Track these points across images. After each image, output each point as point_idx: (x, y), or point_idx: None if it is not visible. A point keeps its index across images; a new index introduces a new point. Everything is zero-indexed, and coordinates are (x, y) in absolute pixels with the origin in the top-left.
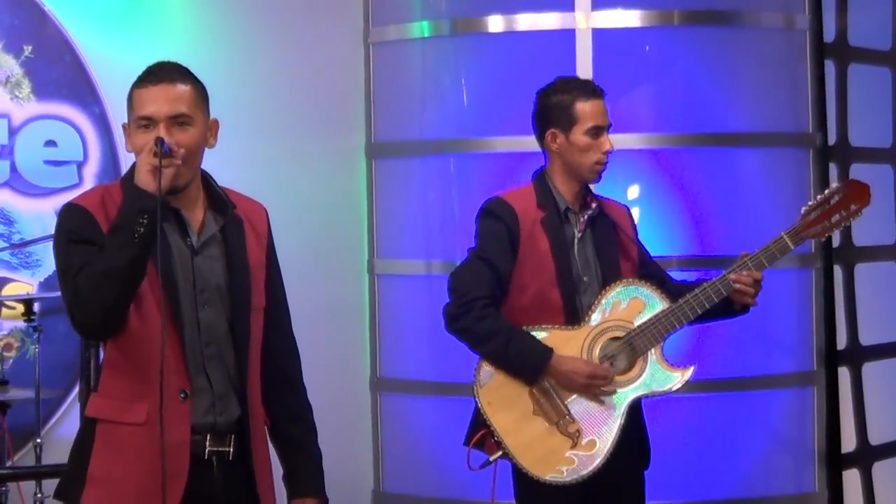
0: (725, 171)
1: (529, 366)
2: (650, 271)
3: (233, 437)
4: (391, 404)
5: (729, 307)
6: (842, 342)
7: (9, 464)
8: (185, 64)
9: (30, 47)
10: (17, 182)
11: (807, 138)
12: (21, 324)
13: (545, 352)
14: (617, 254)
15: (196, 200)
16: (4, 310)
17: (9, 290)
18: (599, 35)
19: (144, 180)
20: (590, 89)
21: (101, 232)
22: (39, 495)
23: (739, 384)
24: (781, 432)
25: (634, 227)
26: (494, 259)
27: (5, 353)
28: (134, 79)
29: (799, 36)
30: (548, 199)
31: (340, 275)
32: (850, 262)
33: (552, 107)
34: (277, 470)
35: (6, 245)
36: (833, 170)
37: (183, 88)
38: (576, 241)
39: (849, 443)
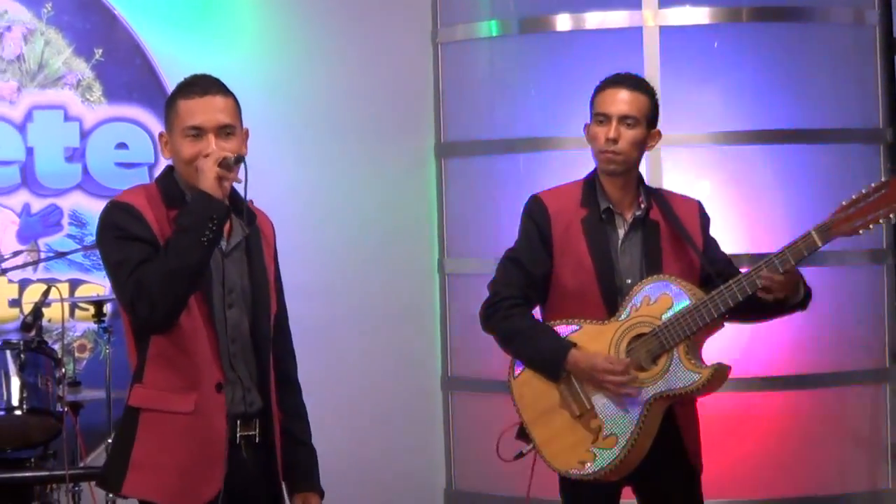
0: (794, 168)
1: (549, 362)
2: (719, 269)
3: (257, 421)
4: (462, 403)
5: (764, 305)
6: None
7: (81, 464)
8: (254, 66)
9: (100, 50)
10: (88, 184)
11: (877, 134)
12: (94, 325)
13: (564, 348)
14: (661, 256)
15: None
16: (78, 311)
17: (81, 291)
18: (667, 32)
19: (212, 186)
20: (610, 81)
21: (151, 230)
22: (110, 495)
23: (812, 381)
24: (854, 429)
25: (704, 222)
26: (524, 259)
27: (79, 355)
28: None
29: (868, 31)
30: (591, 198)
31: (411, 274)
32: None
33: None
34: None
35: (78, 247)
36: None
37: (227, 100)
38: (620, 242)
39: None
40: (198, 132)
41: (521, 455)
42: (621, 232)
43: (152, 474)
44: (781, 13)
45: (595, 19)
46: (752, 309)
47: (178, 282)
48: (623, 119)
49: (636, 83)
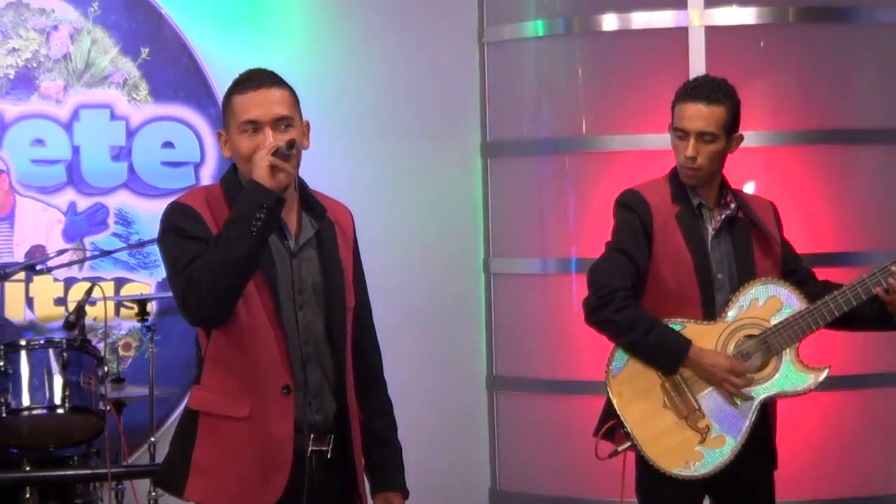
0: (842, 168)
1: (669, 355)
2: (793, 268)
3: (332, 436)
4: (507, 402)
5: (884, 316)
6: None
7: (125, 462)
8: (300, 66)
9: (147, 50)
10: (134, 183)
11: None
12: (139, 324)
13: (685, 343)
14: (752, 254)
15: (292, 203)
16: (123, 310)
17: (127, 290)
18: (713, 32)
19: (264, 175)
20: (691, 93)
21: (209, 230)
22: (153, 493)
23: (859, 382)
24: None
25: (779, 223)
26: (632, 250)
27: (124, 353)
28: None
29: None
30: (682, 194)
31: (456, 273)
32: None
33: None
34: None
35: (124, 245)
36: None
37: (283, 92)
38: (709, 238)
39: None
40: (254, 126)
41: (616, 453)
42: (711, 228)
43: (213, 479)
44: (828, 13)
45: (641, 19)
46: (854, 318)
47: (226, 273)
48: (701, 136)
49: (713, 95)
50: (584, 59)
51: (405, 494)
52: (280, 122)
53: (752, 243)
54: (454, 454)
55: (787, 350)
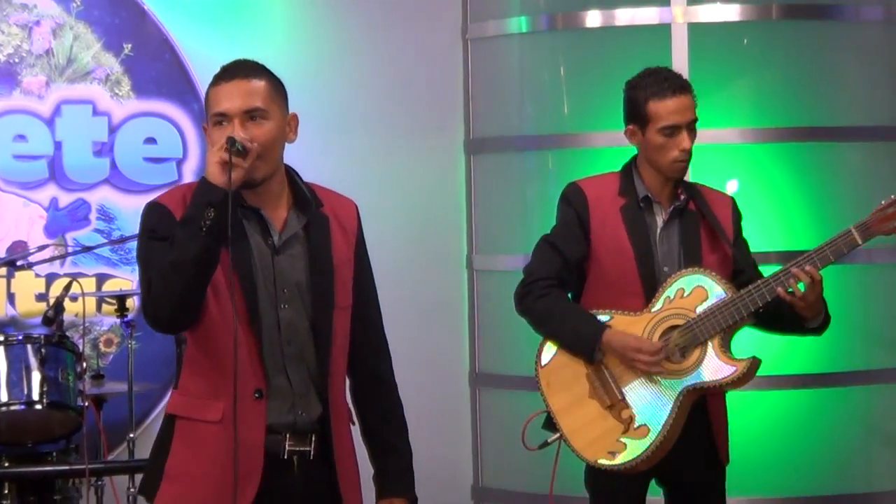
0: (825, 166)
1: (584, 341)
2: (741, 268)
3: (314, 436)
4: (490, 399)
5: (800, 322)
6: None
7: (105, 459)
8: (283, 62)
9: (129, 45)
10: (116, 179)
11: None
12: (119, 320)
13: (599, 328)
14: (700, 247)
15: (279, 198)
16: (105, 306)
17: (109, 286)
18: (696, 30)
19: (213, 172)
20: (665, 87)
21: None
22: (132, 489)
23: (839, 379)
24: (881, 428)
25: (736, 218)
26: (560, 243)
27: (105, 349)
28: None
29: None
30: (629, 186)
31: (439, 270)
32: None
33: (629, 102)
34: (366, 469)
35: (106, 241)
36: None
37: (257, 83)
38: (658, 230)
39: None
40: (224, 118)
41: (545, 444)
42: (660, 220)
43: (185, 486)
44: (811, 11)
45: (625, 16)
46: (774, 317)
47: (177, 276)
48: (690, 126)
49: (682, 81)
50: (567, 56)
51: (412, 500)
52: (250, 114)
53: (700, 236)
54: (436, 450)
55: (713, 340)
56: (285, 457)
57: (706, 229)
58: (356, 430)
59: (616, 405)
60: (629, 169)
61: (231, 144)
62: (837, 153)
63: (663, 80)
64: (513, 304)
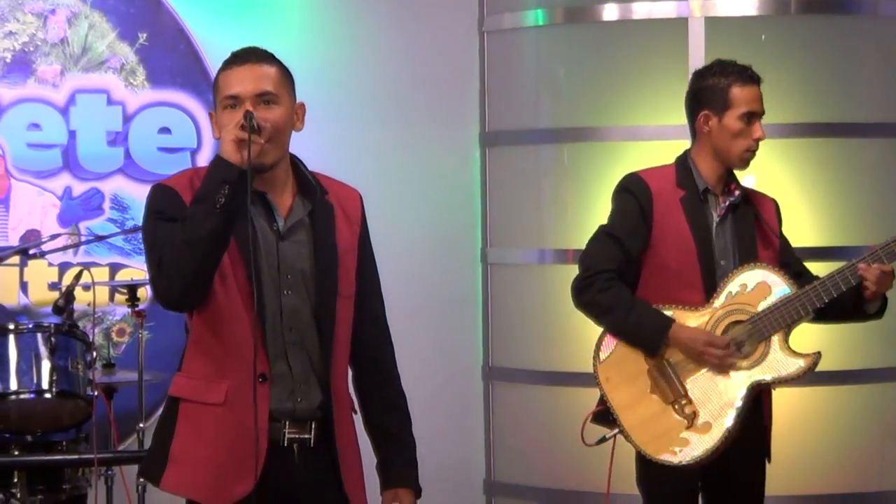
0: (844, 161)
1: (650, 334)
2: (787, 262)
3: (314, 423)
4: (503, 393)
5: (862, 307)
6: None
7: (115, 449)
8: (299, 53)
9: (144, 35)
10: (130, 168)
11: None
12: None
13: (666, 320)
14: (755, 242)
15: (284, 185)
16: (117, 295)
17: (122, 275)
18: (713, 24)
19: (228, 150)
20: (747, 74)
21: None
22: (142, 480)
23: (854, 377)
24: (894, 426)
25: (779, 219)
26: (621, 235)
27: (117, 338)
28: None
29: None
30: (688, 179)
31: (454, 264)
32: None
33: (708, 88)
34: (368, 460)
35: (119, 231)
36: None
37: (269, 68)
38: (714, 224)
39: None
40: (236, 101)
41: (603, 440)
42: (716, 214)
43: (188, 469)
44: (829, 5)
45: (642, 9)
46: (834, 308)
47: (190, 254)
48: (761, 116)
49: (756, 76)
50: (584, 50)
51: (416, 491)
52: (262, 98)
53: (754, 232)
54: (449, 444)
55: (776, 335)
56: (285, 444)
57: (758, 226)
58: (358, 420)
59: (679, 400)
60: (685, 161)
61: (248, 119)
62: (856, 148)
63: (744, 69)
64: (527, 297)
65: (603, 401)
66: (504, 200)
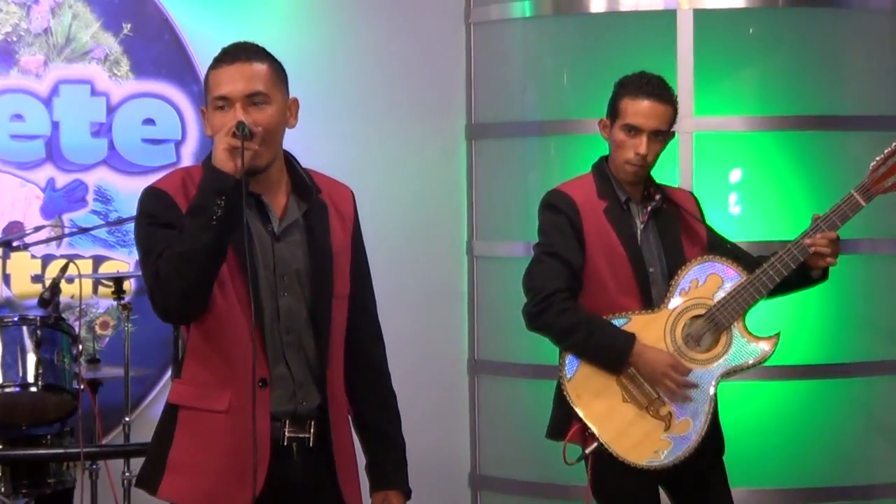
0: (830, 155)
1: (613, 355)
2: (722, 251)
3: (312, 423)
4: (489, 387)
5: (807, 274)
6: None
7: (99, 443)
8: (284, 45)
9: (129, 25)
10: (114, 160)
11: None
12: (116, 302)
13: (629, 340)
14: (681, 243)
15: (278, 184)
16: (101, 288)
17: (105, 268)
18: (701, 16)
19: (221, 159)
20: (644, 89)
21: (182, 215)
22: (127, 474)
23: (839, 371)
24: (881, 420)
25: (701, 212)
26: (562, 251)
27: (101, 332)
28: None
29: None
30: (608, 188)
31: (439, 256)
32: None
33: (612, 96)
34: (363, 459)
35: (103, 223)
36: None
37: (259, 67)
38: (639, 231)
39: None
40: (225, 102)
41: (584, 456)
42: (639, 221)
43: (188, 478)
44: None
45: (630, 1)
46: (782, 285)
47: (188, 267)
48: (654, 134)
49: (667, 94)
50: (571, 42)
51: (406, 493)
52: (252, 99)
53: (679, 232)
54: (434, 438)
55: (735, 324)
56: (285, 443)
57: (683, 224)
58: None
59: (653, 404)
60: (602, 170)
61: (241, 130)
62: (843, 142)
63: (646, 83)
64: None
65: (567, 416)
66: (490, 193)
